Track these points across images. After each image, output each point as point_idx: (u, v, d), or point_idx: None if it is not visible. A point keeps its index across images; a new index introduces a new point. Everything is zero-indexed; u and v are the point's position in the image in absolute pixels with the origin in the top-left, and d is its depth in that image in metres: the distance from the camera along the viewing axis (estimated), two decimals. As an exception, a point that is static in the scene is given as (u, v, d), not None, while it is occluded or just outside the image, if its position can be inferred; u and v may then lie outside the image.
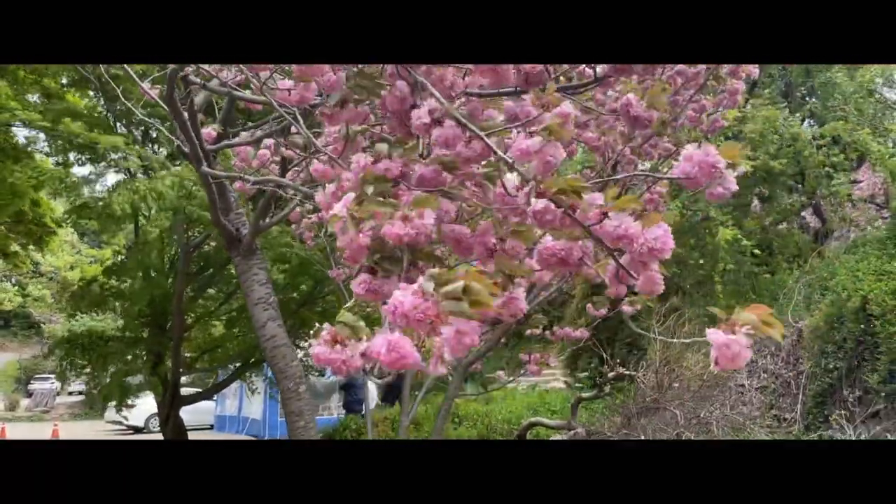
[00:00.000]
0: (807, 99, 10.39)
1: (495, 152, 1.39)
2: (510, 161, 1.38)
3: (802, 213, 9.95)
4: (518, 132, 1.42)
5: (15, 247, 9.98)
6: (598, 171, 3.95)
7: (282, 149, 3.02)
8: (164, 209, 4.88)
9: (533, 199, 1.27)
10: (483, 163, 1.54)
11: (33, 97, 8.24)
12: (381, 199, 1.32)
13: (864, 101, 6.91)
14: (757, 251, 7.16)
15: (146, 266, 6.11)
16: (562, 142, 1.40)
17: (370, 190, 1.32)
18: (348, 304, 1.43)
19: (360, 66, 1.77)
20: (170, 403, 6.71)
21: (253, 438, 12.23)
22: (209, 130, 3.43)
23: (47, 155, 8.05)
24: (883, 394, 5.52)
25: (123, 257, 7.59)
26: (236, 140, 3.20)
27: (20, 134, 8.10)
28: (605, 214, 1.24)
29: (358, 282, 1.34)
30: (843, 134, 6.73)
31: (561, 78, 1.80)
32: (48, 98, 7.03)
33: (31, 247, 9.92)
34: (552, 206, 1.22)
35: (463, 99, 1.70)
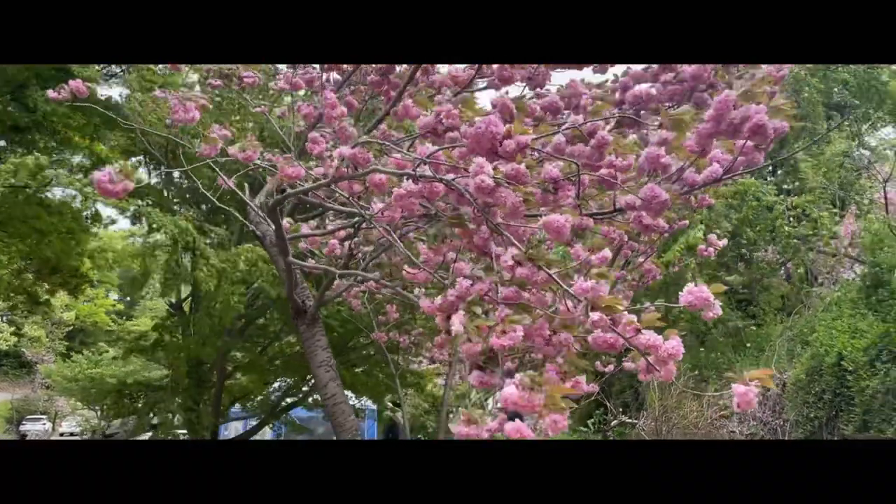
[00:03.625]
0: (793, 163, 11.16)
1: (561, 286, 2.08)
2: (570, 291, 2.07)
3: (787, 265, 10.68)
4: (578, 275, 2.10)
5: (44, 295, 10.52)
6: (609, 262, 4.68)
7: (361, 246, 3.71)
8: (236, 282, 5.57)
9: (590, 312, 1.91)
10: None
11: (77, 158, 8.90)
12: (484, 316, 2.01)
13: (832, 174, 7.72)
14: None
15: (203, 325, 6.73)
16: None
17: (477, 310, 2.00)
18: (460, 394, 2.08)
19: (446, 208, 2.46)
20: (207, 449, 7.11)
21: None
22: (284, 222, 4.13)
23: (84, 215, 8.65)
24: (859, 441, 6.14)
25: (171, 312, 8.21)
26: (313, 232, 3.89)
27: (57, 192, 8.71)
28: (638, 330, 1.91)
29: (473, 377, 2.01)
30: (808, 210, 7.56)
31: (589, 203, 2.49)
32: (100, 162, 7.69)
33: (61, 294, 10.42)
34: (605, 317, 1.88)
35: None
